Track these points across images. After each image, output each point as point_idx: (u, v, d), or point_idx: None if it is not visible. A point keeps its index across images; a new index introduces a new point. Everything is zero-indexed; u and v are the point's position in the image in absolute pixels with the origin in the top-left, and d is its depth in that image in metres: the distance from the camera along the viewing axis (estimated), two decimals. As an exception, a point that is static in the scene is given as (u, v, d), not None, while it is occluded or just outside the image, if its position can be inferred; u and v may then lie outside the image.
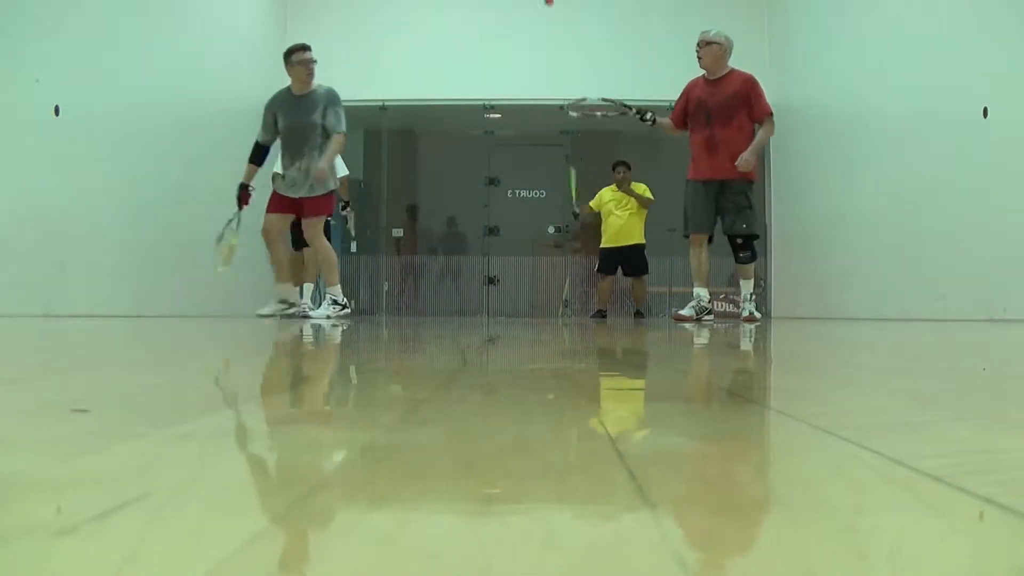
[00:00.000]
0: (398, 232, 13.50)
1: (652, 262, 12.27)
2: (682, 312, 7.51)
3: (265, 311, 6.84)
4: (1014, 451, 0.88)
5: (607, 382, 1.95)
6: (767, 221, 12.27)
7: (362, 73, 12.00)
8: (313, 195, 6.95)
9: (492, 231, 13.06)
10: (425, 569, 0.48)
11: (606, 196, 10.71)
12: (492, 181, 13.22)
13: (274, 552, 0.51)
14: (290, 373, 2.17)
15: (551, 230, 13.36)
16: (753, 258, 7.25)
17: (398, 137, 13.42)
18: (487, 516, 0.61)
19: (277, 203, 6.97)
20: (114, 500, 0.64)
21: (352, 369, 2.37)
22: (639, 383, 1.94)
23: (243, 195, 6.87)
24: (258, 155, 6.96)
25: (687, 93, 7.34)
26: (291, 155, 6.96)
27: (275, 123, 6.99)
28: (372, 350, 3.40)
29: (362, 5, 12.17)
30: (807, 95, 10.93)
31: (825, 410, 1.30)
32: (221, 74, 9.99)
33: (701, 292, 7.36)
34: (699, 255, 7.25)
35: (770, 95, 12.03)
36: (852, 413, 1.25)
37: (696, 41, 7.39)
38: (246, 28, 11.06)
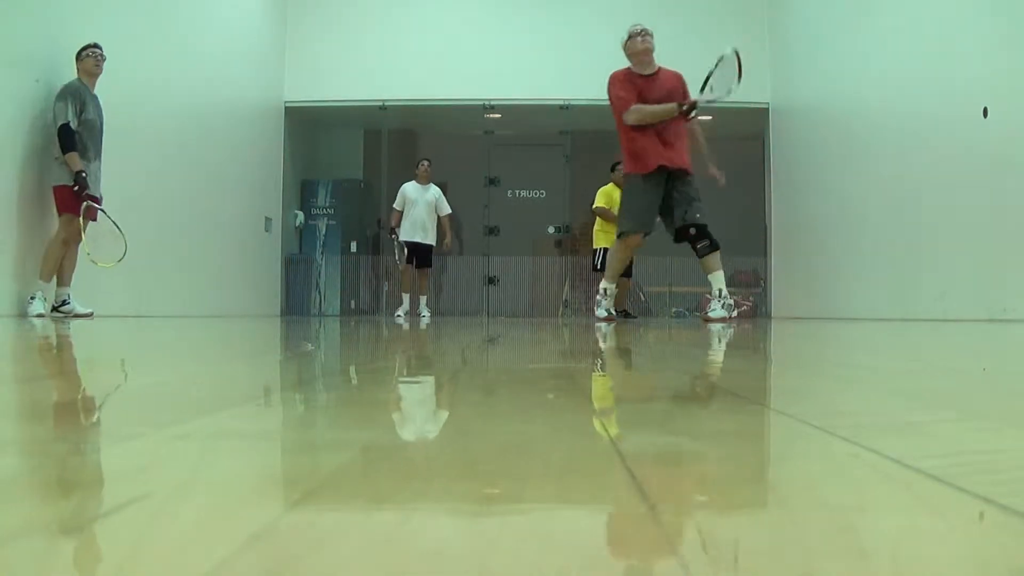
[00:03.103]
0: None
1: (651, 262, 12.27)
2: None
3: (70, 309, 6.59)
4: (1014, 451, 0.88)
5: (607, 382, 1.95)
6: (767, 221, 12.27)
7: (362, 73, 12.01)
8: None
9: (492, 231, 13.06)
10: (425, 569, 0.48)
11: (616, 195, 10.60)
12: (492, 181, 13.23)
13: (274, 552, 0.51)
14: (291, 374, 2.17)
15: (551, 230, 13.37)
16: (715, 247, 6.78)
17: (398, 137, 13.42)
18: (487, 516, 0.61)
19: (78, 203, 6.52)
20: (114, 500, 0.64)
21: (352, 369, 2.37)
22: (639, 383, 1.94)
23: (87, 183, 6.43)
24: (74, 140, 6.43)
25: (630, 82, 6.78)
26: (94, 151, 6.64)
27: (80, 112, 6.52)
28: (372, 350, 3.40)
29: (362, 5, 12.17)
30: (807, 95, 10.93)
31: (825, 410, 1.30)
32: (221, 74, 9.99)
33: (604, 287, 7.14)
34: (631, 254, 7.05)
35: (770, 95, 12.06)
36: (852, 413, 1.25)
37: (641, 31, 6.88)
38: (246, 28, 11.06)
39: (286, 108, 12.24)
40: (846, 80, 9.58)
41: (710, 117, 12.89)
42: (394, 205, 11.00)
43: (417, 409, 1.37)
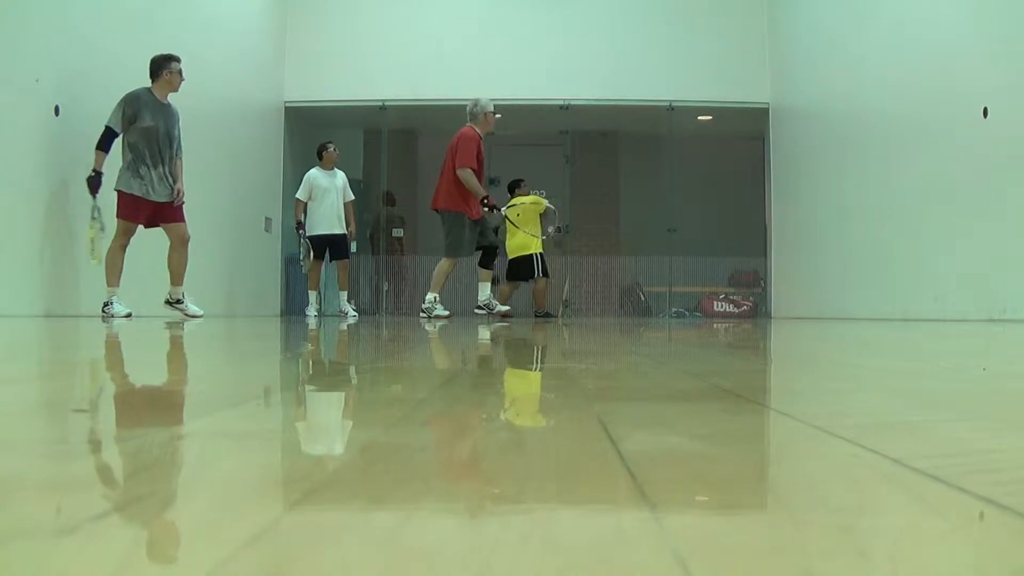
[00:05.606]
0: (398, 232, 13.50)
1: (652, 262, 12.26)
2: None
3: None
4: (1014, 451, 0.88)
5: (606, 382, 1.95)
6: (767, 221, 12.27)
7: (362, 73, 12.01)
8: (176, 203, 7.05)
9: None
10: (425, 569, 0.48)
11: (542, 205, 11.04)
12: (492, 181, 13.21)
13: (274, 552, 0.51)
14: (290, 374, 2.17)
15: (551, 230, 13.38)
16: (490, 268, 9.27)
17: (398, 137, 13.42)
18: (487, 516, 0.61)
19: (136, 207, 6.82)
20: (114, 500, 0.64)
21: (352, 369, 2.37)
22: (639, 382, 1.94)
23: (98, 183, 6.66)
24: (109, 143, 6.72)
25: (478, 146, 8.79)
26: (153, 158, 6.86)
27: (134, 119, 6.76)
28: (373, 349, 3.40)
29: (362, 5, 12.17)
30: (807, 95, 10.93)
31: (825, 410, 1.30)
32: (221, 74, 9.98)
33: (434, 295, 8.85)
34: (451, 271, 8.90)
35: (770, 95, 12.06)
36: (852, 413, 1.25)
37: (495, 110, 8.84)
38: (246, 28, 11.06)
39: (286, 108, 12.23)
40: (846, 80, 9.58)
41: (710, 117, 12.90)
42: (298, 195, 10.24)
43: (418, 408, 1.37)
